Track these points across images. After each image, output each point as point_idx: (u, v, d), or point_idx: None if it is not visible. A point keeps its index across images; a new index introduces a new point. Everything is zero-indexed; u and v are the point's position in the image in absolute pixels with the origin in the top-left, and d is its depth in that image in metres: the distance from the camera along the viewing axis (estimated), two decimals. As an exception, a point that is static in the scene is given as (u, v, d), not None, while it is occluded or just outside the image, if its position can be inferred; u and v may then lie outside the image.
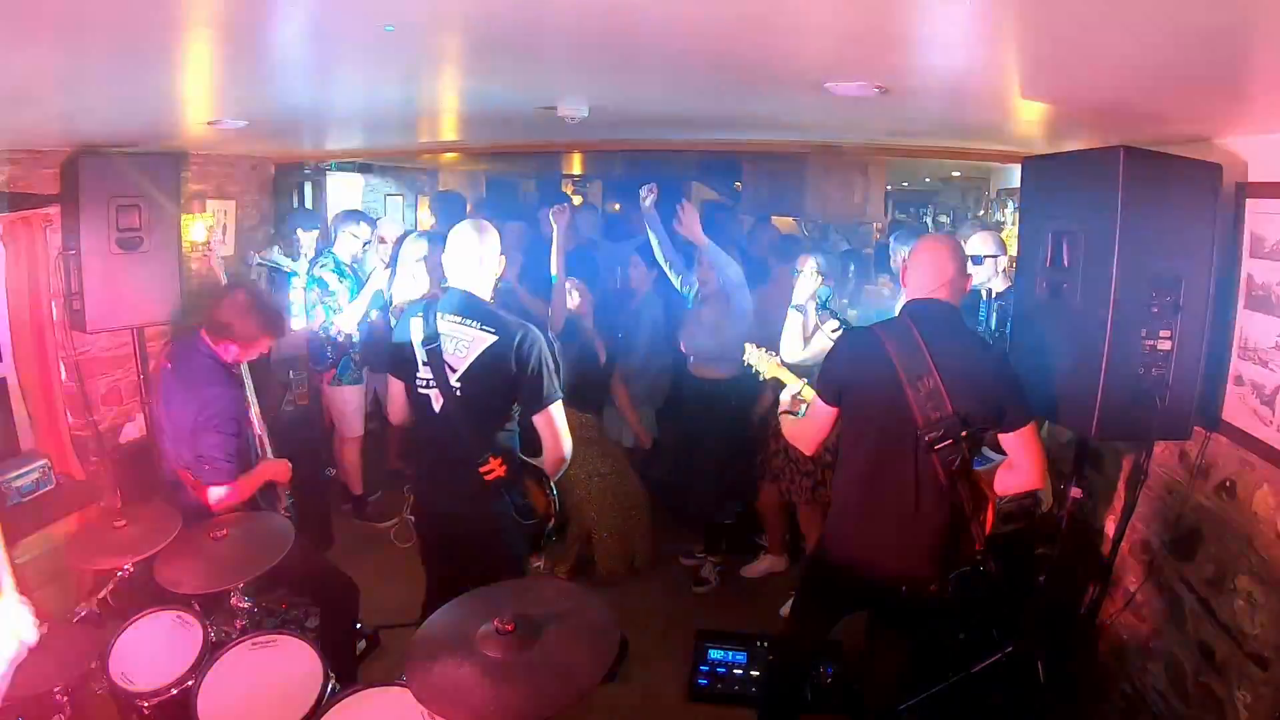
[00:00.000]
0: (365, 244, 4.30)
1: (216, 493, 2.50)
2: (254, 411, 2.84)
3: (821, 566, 2.40)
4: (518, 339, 2.26)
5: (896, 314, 2.29)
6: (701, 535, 3.94)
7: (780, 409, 2.59)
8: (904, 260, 2.33)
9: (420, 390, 2.32)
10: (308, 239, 4.39)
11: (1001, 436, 2.16)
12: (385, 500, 4.48)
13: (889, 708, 2.48)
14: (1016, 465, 2.18)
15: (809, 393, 2.48)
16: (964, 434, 2.09)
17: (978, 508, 2.22)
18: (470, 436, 2.28)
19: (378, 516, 4.39)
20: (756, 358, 2.74)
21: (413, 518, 2.56)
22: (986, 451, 2.35)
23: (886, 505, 2.21)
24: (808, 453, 2.44)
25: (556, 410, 2.32)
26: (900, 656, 2.45)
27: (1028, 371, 2.57)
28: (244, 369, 2.82)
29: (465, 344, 2.27)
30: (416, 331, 2.31)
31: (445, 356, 2.28)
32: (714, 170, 7.33)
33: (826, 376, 2.29)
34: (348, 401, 4.25)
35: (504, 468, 2.28)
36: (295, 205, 5.30)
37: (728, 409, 3.70)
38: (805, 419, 2.40)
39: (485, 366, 2.26)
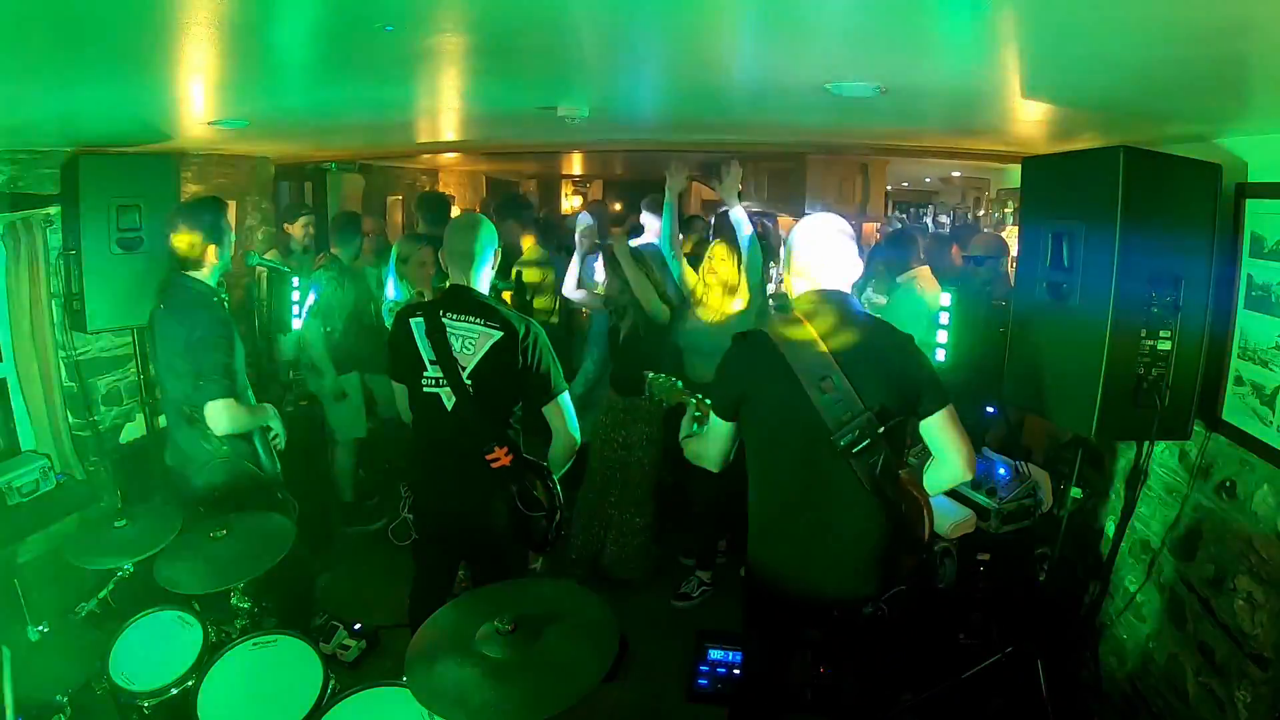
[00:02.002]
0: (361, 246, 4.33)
1: (214, 408, 2.48)
2: (241, 357, 2.75)
3: (751, 591, 2.18)
4: (522, 334, 2.31)
5: (791, 312, 2.05)
6: (699, 537, 3.93)
7: (682, 435, 2.35)
8: (790, 251, 2.09)
9: (427, 390, 2.34)
10: (298, 230, 4.38)
11: (922, 426, 1.98)
12: (376, 502, 4.43)
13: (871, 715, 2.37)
14: (939, 456, 1.99)
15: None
16: (881, 431, 1.88)
17: (912, 514, 2.01)
18: (482, 430, 2.32)
19: (362, 519, 4.33)
20: (659, 386, 2.47)
21: (411, 516, 2.55)
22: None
23: (806, 523, 1.99)
24: (713, 470, 2.21)
25: (565, 400, 2.41)
26: (859, 678, 2.23)
27: (1028, 371, 2.58)
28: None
29: (472, 341, 2.31)
30: (419, 333, 2.32)
31: (454, 355, 2.30)
32: (714, 170, 7.32)
33: (719, 389, 2.08)
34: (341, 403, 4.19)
35: (509, 457, 2.31)
36: (290, 204, 5.29)
37: None
38: (703, 436, 2.18)
39: (494, 362, 2.30)
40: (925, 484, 2.06)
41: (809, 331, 1.94)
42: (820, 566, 1.99)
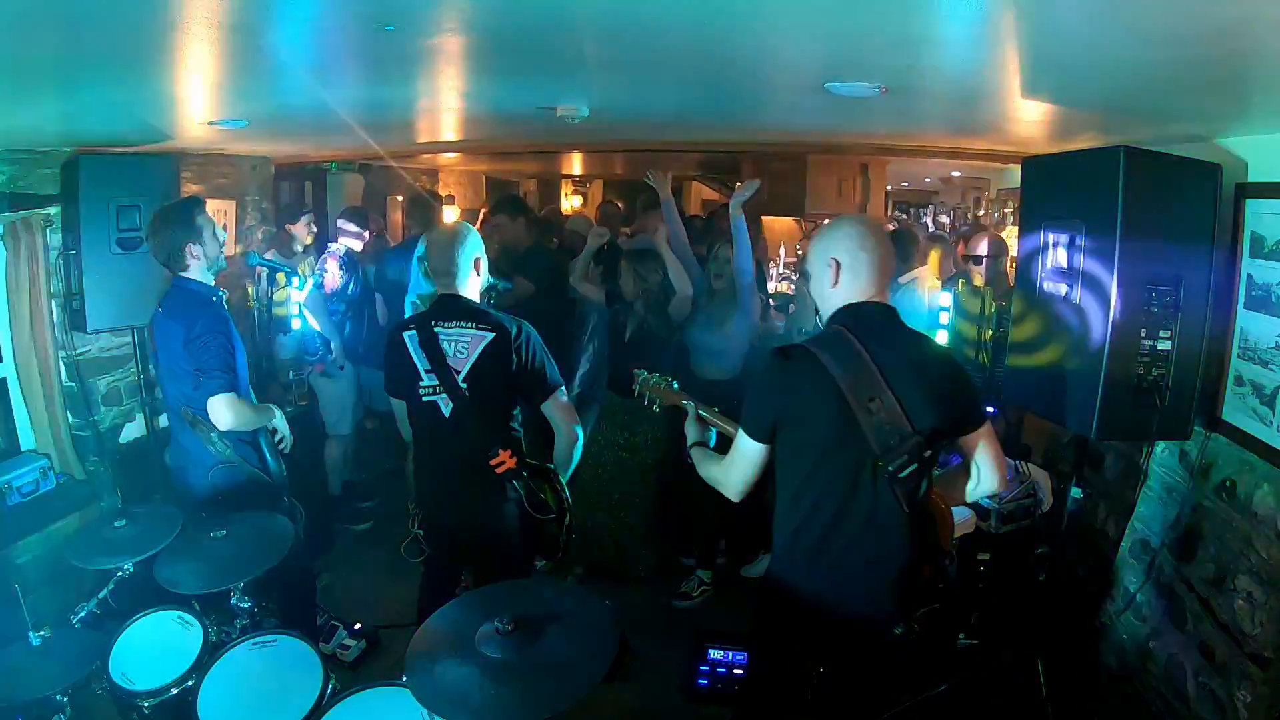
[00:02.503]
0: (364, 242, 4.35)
1: (216, 403, 2.45)
2: (242, 356, 2.73)
3: (772, 609, 2.01)
4: (514, 333, 2.32)
5: (837, 326, 1.85)
6: (699, 537, 3.93)
7: (690, 442, 2.15)
8: (833, 258, 1.85)
9: (425, 399, 2.34)
10: (300, 228, 4.39)
11: (963, 441, 1.89)
12: (374, 505, 4.44)
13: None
14: (980, 472, 1.90)
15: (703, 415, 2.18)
16: (929, 454, 1.77)
17: (940, 529, 1.95)
18: (482, 434, 2.32)
19: (352, 518, 4.34)
20: (651, 386, 2.32)
21: (421, 531, 2.53)
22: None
23: (842, 546, 1.85)
24: (733, 499, 1.99)
25: (563, 394, 2.42)
26: (858, 678, 2.10)
27: (1028, 371, 2.58)
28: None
29: (464, 345, 2.32)
30: (412, 345, 2.33)
31: (448, 361, 2.31)
32: (714, 170, 7.34)
33: (756, 410, 1.87)
34: (335, 394, 4.21)
35: (514, 459, 2.31)
36: (289, 203, 5.29)
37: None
38: (729, 462, 1.96)
39: (487, 363, 2.30)
40: (966, 495, 1.98)
41: (857, 347, 1.77)
42: (855, 590, 1.88)
